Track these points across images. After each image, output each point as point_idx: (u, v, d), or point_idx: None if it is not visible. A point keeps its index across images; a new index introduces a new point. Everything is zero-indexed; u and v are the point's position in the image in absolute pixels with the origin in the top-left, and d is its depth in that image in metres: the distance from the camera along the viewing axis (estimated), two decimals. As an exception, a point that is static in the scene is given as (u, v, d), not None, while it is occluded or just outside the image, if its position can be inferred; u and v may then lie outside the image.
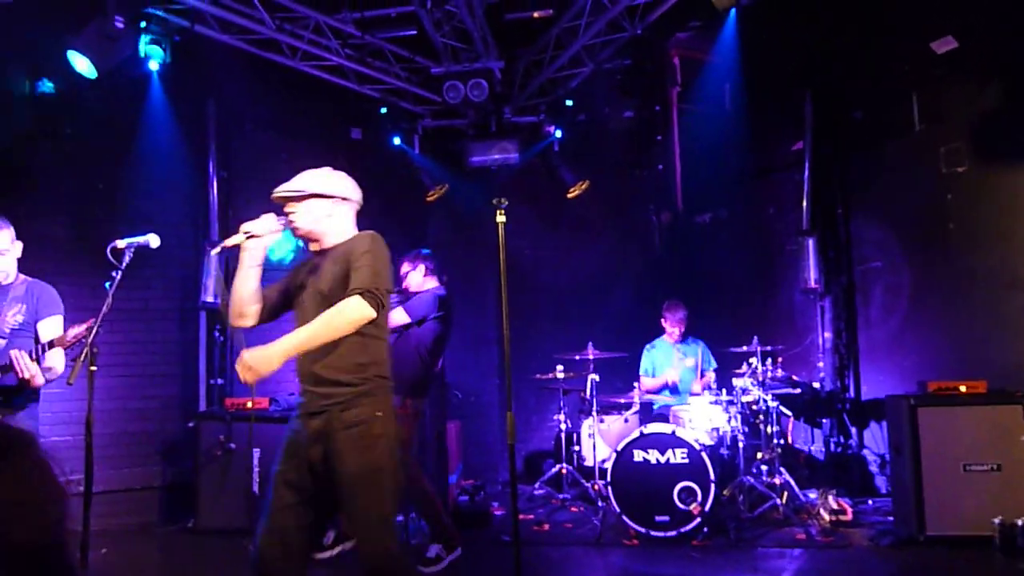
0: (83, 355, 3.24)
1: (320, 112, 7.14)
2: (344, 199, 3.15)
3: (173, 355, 6.46)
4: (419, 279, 5.05)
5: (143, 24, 5.61)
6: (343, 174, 3.21)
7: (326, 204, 3.11)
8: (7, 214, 4.24)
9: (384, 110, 7.12)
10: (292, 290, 3.15)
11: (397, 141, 7.19)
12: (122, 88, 5.88)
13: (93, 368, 3.29)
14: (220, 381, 6.48)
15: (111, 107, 5.99)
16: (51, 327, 3.87)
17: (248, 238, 3.01)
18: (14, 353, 3.63)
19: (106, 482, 5.71)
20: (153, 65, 5.90)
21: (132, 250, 3.20)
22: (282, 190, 3.11)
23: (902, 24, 6.16)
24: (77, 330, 3.66)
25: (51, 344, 3.72)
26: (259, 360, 2.69)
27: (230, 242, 3.03)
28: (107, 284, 3.13)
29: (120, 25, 5.19)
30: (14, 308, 3.83)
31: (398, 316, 4.74)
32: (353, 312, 2.79)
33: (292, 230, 3.08)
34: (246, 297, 3.05)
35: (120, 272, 3.10)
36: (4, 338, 3.80)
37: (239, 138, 6.76)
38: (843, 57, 6.65)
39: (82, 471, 3.35)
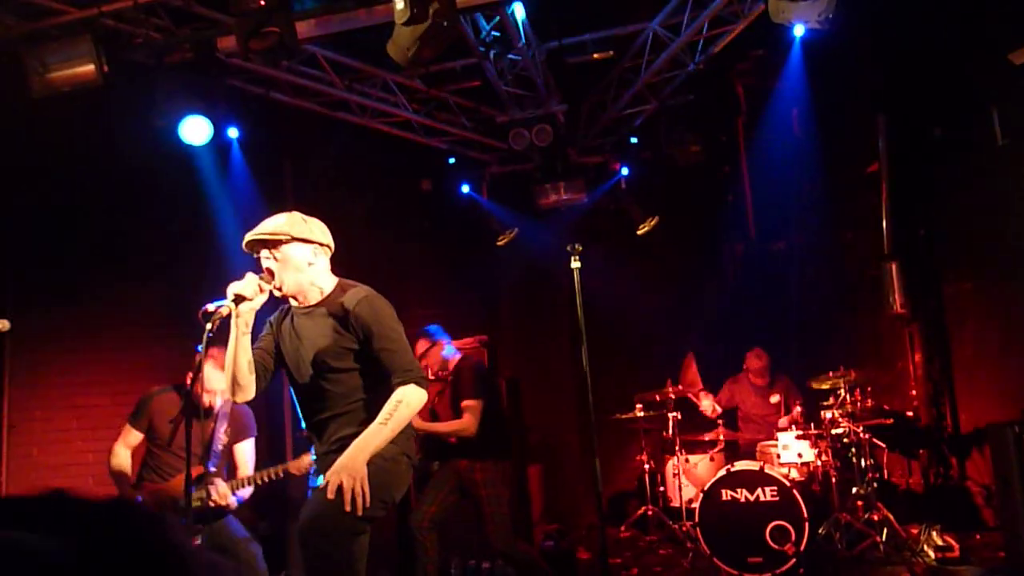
0: (182, 418, 3.39)
1: (391, 166, 7.35)
2: (323, 245, 2.97)
3: (259, 408, 6.61)
4: (446, 353, 4.80)
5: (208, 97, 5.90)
6: (315, 219, 3.01)
7: (307, 250, 2.90)
8: (105, 283, 4.51)
9: (452, 160, 7.29)
10: (280, 352, 3.03)
11: (466, 189, 7.33)
12: (205, 156, 6.19)
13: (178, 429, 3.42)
14: (306, 432, 6.62)
15: (195, 174, 6.30)
16: (247, 451, 4.19)
17: (237, 303, 2.75)
18: (216, 482, 3.93)
19: (201, 536, 5.87)
20: (233, 132, 6.19)
21: (222, 312, 3.32)
22: (260, 233, 2.87)
23: (976, 36, 5.98)
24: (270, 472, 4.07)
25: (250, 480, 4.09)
26: (354, 475, 2.64)
27: (224, 310, 2.74)
28: (199, 347, 3.25)
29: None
30: (223, 426, 4.13)
31: (472, 405, 4.54)
32: (416, 403, 2.81)
33: (275, 289, 2.87)
34: (245, 368, 2.87)
35: (211, 335, 3.22)
36: (216, 458, 4.07)
37: (315, 196, 7.00)
38: (916, 74, 6.49)
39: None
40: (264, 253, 2.89)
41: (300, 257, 2.88)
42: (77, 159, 5.83)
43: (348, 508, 2.61)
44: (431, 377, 4.81)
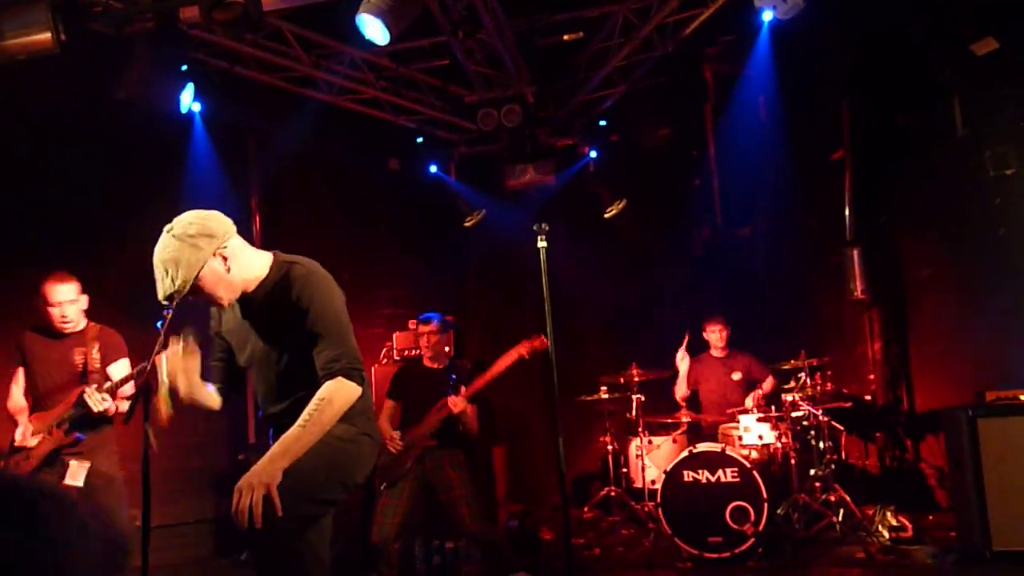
0: (139, 396, 3.34)
1: (358, 144, 7.26)
2: (225, 235, 2.64)
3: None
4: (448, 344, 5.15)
5: (184, 67, 5.77)
6: (199, 211, 2.67)
7: (217, 262, 2.61)
8: (58, 259, 4.47)
9: (420, 140, 7.22)
10: (235, 350, 2.86)
11: (434, 169, 7.28)
12: (165, 129, 6.05)
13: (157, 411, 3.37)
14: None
15: (155, 149, 6.16)
16: (120, 369, 4.26)
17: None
18: (87, 390, 4.06)
19: (162, 517, 5.81)
20: (195, 106, 6.06)
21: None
22: (167, 291, 2.58)
23: (940, 27, 6.05)
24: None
25: (122, 381, 4.15)
26: (262, 482, 2.40)
27: (163, 400, 2.67)
28: (158, 324, 3.19)
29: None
30: (79, 353, 4.24)
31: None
32: (344, 401, 2.56)
33: (214, 303, 2.70)
34: (205, 397, 2.82)
35: (171, 312, 3.16)
36: (80, 383, 4.20)
37: (279, 173, 6.89)
38: (881, 63, 6.56)
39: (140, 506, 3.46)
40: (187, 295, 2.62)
41: (216, 273, 2.61)
42: (34, 133, 5.66)
43: (245, 525, 2.37)
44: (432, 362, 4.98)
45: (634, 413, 5.93)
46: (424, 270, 7.47)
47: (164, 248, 2.60)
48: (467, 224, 7.35)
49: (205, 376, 2.88)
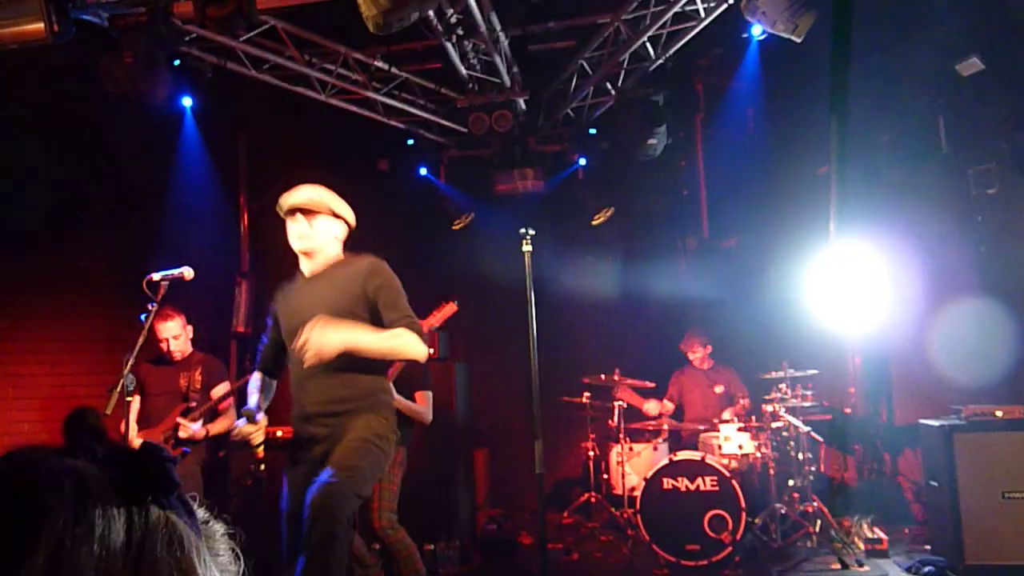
0: (119, 386, 3.33)
1: (348, 144, 7.27)
2: (349, 225, 3.30)
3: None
4: None
5: (176, 62, 5.77)
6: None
7: (339, 226, 3.23)
8: (46, 248, 4.50)
9: (411, 141, 7.24)
10: (287, 335, 3.15)
11: (423, 171, 7.29)
12: (156, 123, 6.05)
13: (129, 400, 3.37)
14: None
15: (146, 143, 6.15)
16: (221, 392, 4.73)
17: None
18: (180, 420, 4.49)
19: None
20: (186, 101, 6.06)
21: (167, 283, 3.30)
22: (303, 201, 3.14)
23: (926, 47, 6.14)
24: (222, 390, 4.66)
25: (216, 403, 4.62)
26: (324, 345, 2.76)
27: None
28: (143, 316, 3.20)
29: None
30: (183, 378, 4.68)
31: (429, 394, 4.76)
32: (416, 349, 2.93)
33: (298, 242, 3.14)
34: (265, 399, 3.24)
35: (155, 304, 3.18)
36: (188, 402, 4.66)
37: (269, 171, 6.89)
38: (867, 80, 6.63)
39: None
40: (298, 217, 3.11)
41: (331, 230, 3.18)
42: (19, 121, 5.65)
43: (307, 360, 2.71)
44: None
45: (616, 420, 5.97)
46: (411, 271, 7.43)
47: (321, 189, 3.21)
48: (455, 227, 7.37)
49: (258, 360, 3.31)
